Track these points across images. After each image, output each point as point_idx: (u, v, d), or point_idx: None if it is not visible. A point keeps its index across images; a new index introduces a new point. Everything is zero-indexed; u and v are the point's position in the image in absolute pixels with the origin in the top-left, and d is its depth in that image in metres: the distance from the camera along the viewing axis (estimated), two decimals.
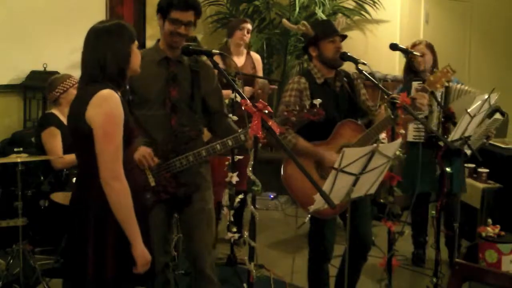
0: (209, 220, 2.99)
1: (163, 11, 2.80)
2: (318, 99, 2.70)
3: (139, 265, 2.25)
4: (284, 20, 3.68)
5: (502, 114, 4.08)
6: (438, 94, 4.00)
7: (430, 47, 4.19)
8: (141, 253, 2.25)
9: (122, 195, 2.17)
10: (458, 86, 4.05)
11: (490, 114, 4.03)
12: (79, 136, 2.23)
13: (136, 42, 2.31)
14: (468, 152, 3.82)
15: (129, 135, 2.27)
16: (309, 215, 3.05)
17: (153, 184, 2.77)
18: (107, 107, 2.16)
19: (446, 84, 3.21)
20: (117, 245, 2.23)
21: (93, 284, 2.23)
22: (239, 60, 4.71)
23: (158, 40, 2.92)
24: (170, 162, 2.78)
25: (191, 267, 3.05)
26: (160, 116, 2.82)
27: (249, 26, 4.71)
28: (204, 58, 2.91)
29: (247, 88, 4.53)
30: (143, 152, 2.71)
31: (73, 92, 3.98)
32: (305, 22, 3.27)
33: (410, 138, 4.13)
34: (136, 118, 2.80)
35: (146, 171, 2.75)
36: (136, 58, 2.31)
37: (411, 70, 4.12)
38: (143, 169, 2.73)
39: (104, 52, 2.22)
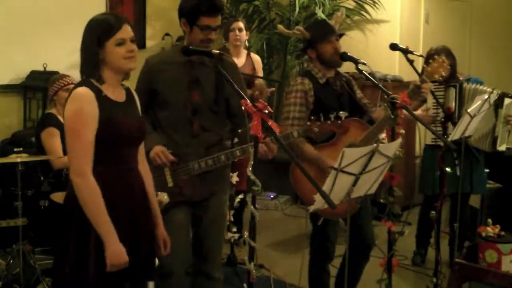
0: (224, 223, 3.03)
1: (189, 17, 2.74)
2: (344, 112, 2.59)
3: (109, 264, 2.18)
4: (280, 26, 3.68)
5: None
6: (452, 94, 3.97)
7: (448, 53, 3.95)
8: (113, 252, 2.17)
9: (85, 191, 2.17)
10: (473, 86, 4.01)
11: None
12: None
13: (114, 38, 2.23)
14: None
15: (116, 135, 2.24)
16: (322, 218, 3.05)
17: (171, 184, 2.76)
18: (76, 104, 2.19)
19: (444, 74, 3.17)
20: (99, 247, 2.18)
21: (72, 286, 2.21)
22: (239, 61, 4.70)
23: (180, 39, 2.85)
24: (189, 164, 2.76)
25: (197, 267, 2.94)
26: (182, 119, 2.78)
27: (239, 24, 4.70)
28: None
29: None
30: (156, 150, 2.72)
31: (62, 94, 3.86)
32: (299, 27, 3.28)
33: (428, 141, 4.10)
34: (156, 118, 2.82)
35: (165, 171, 2.75)
36: (115, 54, 2.24)
37: None
38: (162, 169, 2.73)
39: (82, 46, 2.29)
